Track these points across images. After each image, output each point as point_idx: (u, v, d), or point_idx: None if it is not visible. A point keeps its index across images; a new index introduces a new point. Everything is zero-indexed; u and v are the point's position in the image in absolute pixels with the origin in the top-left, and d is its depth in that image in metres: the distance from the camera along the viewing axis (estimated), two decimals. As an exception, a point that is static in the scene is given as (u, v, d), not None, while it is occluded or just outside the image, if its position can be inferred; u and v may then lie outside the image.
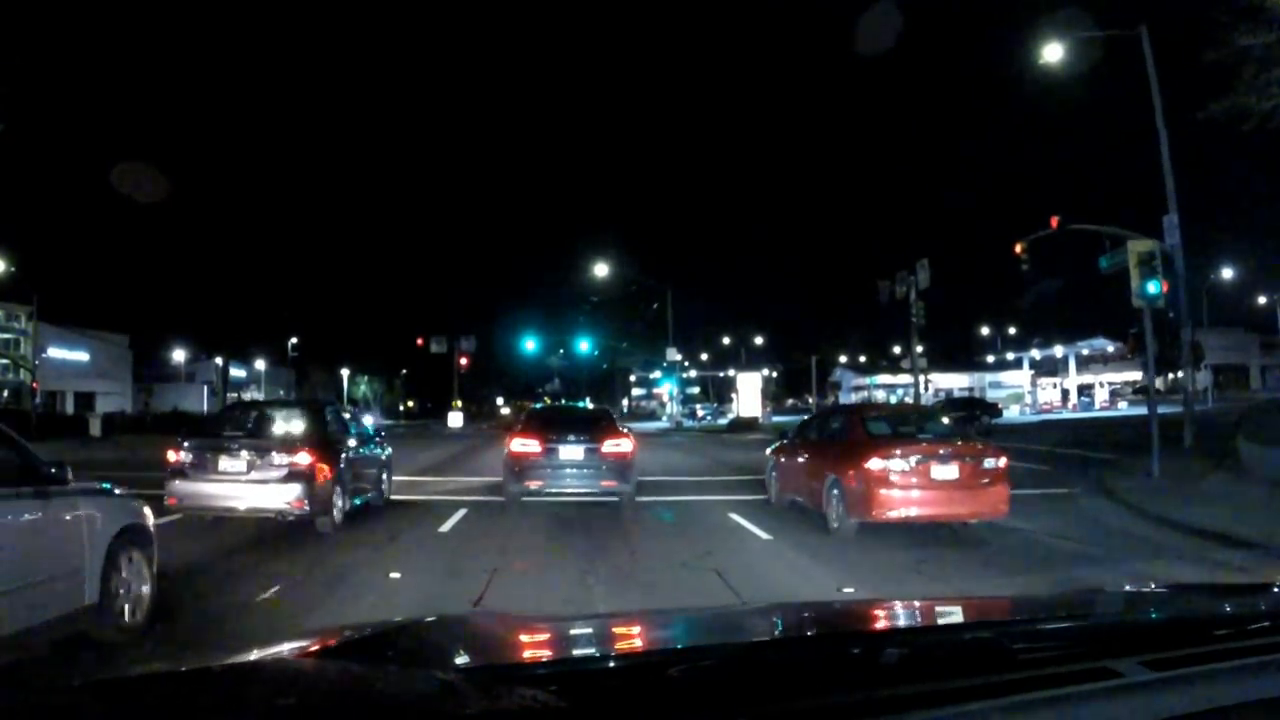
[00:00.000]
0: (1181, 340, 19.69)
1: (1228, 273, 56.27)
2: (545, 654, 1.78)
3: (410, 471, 16.77)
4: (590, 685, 1.31)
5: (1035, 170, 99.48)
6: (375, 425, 19.74)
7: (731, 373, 64.58)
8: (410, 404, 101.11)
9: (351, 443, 10.83)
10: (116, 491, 5.54)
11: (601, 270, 44.66)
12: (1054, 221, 23.41)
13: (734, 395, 56.37)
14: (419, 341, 57.54)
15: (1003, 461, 9.56)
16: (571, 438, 11.72)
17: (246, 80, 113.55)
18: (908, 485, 9.07)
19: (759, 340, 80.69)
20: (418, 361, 76.51)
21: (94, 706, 1.17)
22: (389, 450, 12.90)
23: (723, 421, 51.75)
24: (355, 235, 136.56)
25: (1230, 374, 66.60)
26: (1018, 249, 25.24)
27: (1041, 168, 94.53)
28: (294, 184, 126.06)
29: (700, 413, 60.21)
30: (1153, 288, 13.73)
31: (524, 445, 11.65)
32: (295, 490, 9.06)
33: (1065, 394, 68.02)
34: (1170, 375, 79.33)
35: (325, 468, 9.46)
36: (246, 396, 71.82)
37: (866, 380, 68.00)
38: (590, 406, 19.72)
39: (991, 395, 56.87)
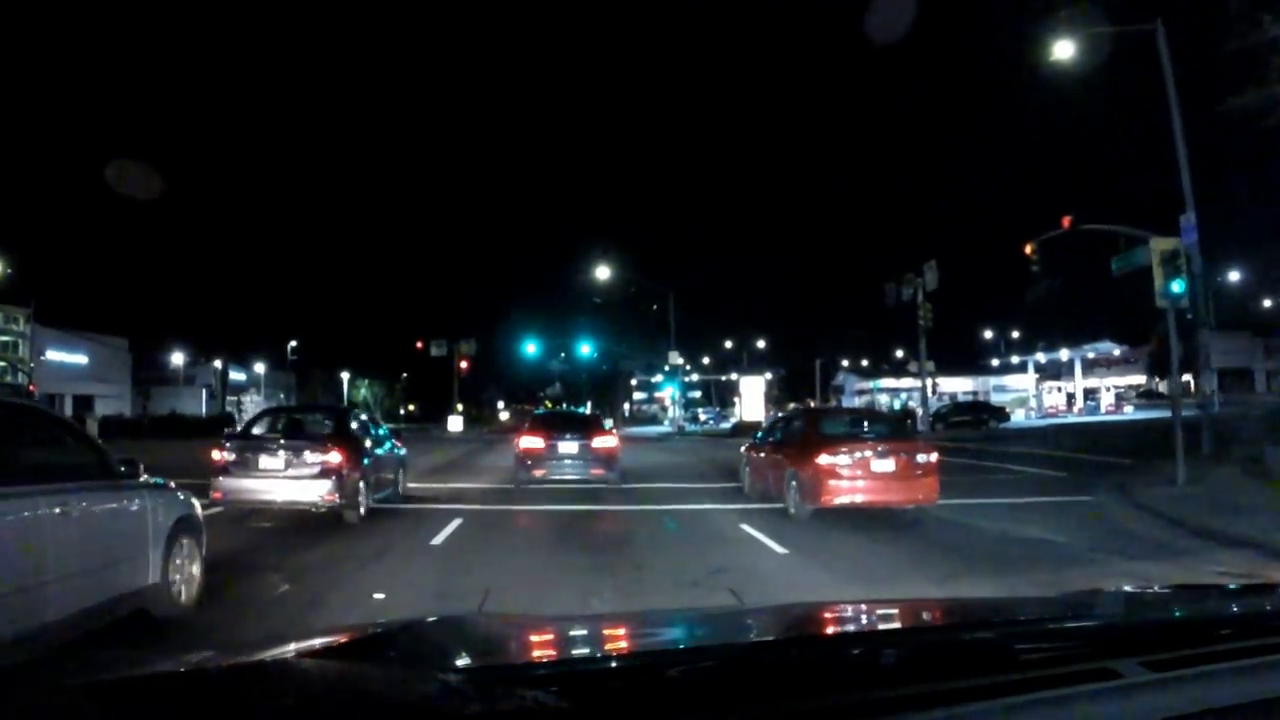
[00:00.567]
0: (1200, 342, 19.28)
1: (1233, 275, 55.77)
2: (545, 654, 1.76)
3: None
4: (590, 686, 1.30)
5: (1037, 173, 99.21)
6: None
7: (734, 376, 64.14)
8: (411, 408, 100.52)
9: (372, 444, 11.88)
10: (171, 486, 6.22)
11: (603, 273, 44.17)
12: (1066, 221, 22.96)
13: (736, 399, 55.94)
14: (418, 345, 57.19)
15: (934, 457, 11.19)
16: (568, 436, 14.59)
17: (247, 82, 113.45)
18: (851, 476, 10.65)
19: (760, 344, 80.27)
20: (418, 365, 76.15)
21: (94, 706, 1.17)
22: (404, 450, 14.26)
23: (725, 426, 51.33)
24: (356, 238, 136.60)
25: (1234, 378, 66.12)
26: (1028, 250, 24.81)
27: (1043, 170, 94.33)
28: (295, 186, 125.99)
29: (702, 417, 59.84)
30: (1177, 287, 13.30)
31: (530, 442, 14.53)
32: (327, 485, 10.15)
33: (1070, 398, 67.44)
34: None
35: (352, 466, 10.55)
36: (246, 400, 71.54)
37: (870, 384, 67.40)
38: (584, 411, 24.15)
39: (995, 399, 56.31)
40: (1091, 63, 20.99)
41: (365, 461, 11.05)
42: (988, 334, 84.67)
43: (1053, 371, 72.00)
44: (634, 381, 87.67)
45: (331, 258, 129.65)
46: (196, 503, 6.49)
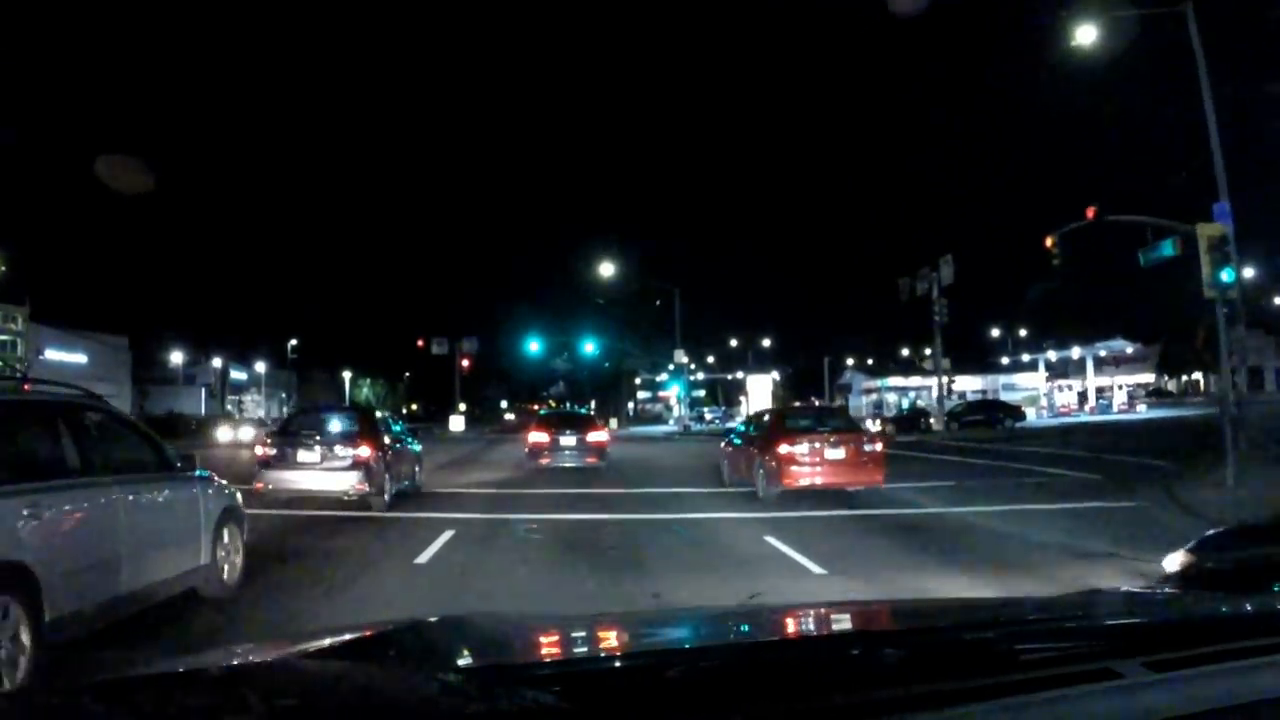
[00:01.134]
0: (1234, 337, 18.53)
1: (1246, 272, 54.93)
2: (546, 654, 1.75)
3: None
4: (591, 685, 1.30)
5: (1044, 170, 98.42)
6: None
7: (740, 375, 63.41)
8: (414, 407, 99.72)
9: (393, 440, 13.17)
10: (218, 479, 7.02)
11: (607, 270, 43.32)
12: (1090, 212, 22.12)
13: (743, 398, 55.17)
14: (419, 343, 56.46)
15: (879, 446, 13.39)
16: (568, 432, 18.96)
17: (248, 81, 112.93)
18: (808, 463, 12.56)
19: (766, 343, 79.40)
20: (421, 364, 75.47)
21: (94, 706, 1.18)
22: (420, 447, 15.80)
23: (732, 425, 50.52)
24: (357, 236, 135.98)
25: (1246, 376, 65.31)
26: (1048, 243, 24.01)
27: (1050, 167, 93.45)
28: (296, 184, 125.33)
29: (708, 416, 59.07)
30: (1226, 275, 12.51)
31: (538, 437, 18.80)
32: (358, 476, 11.41)
33: (1082, 397, 66.40)
34: (1184, 377, 78.21)
35: (378, 459, 11.80)
36: (246, 399, 70.98)
37: (878, 382, 66.50)
38: (581, 411, 30.32)
39: (1004, 398, 55.46)
40: (1110, 50, 20.30)
41: (389, 456, 12.31)
42: (994, 332, 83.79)
43: (1060, 370, 71.07)
44: (638, 380, 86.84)
45: (332, 256, 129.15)
46: (239, 495, 7.32)
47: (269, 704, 1.14)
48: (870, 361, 79.45)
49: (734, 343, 78.91)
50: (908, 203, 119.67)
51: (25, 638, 4.26)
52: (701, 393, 72.60)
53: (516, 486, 15.83)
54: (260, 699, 1.16)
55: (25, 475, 4.63)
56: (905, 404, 59.21)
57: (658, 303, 49.77)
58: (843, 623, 2.21)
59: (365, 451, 11.57)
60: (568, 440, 18.49)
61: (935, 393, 40.42)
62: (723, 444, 16.83)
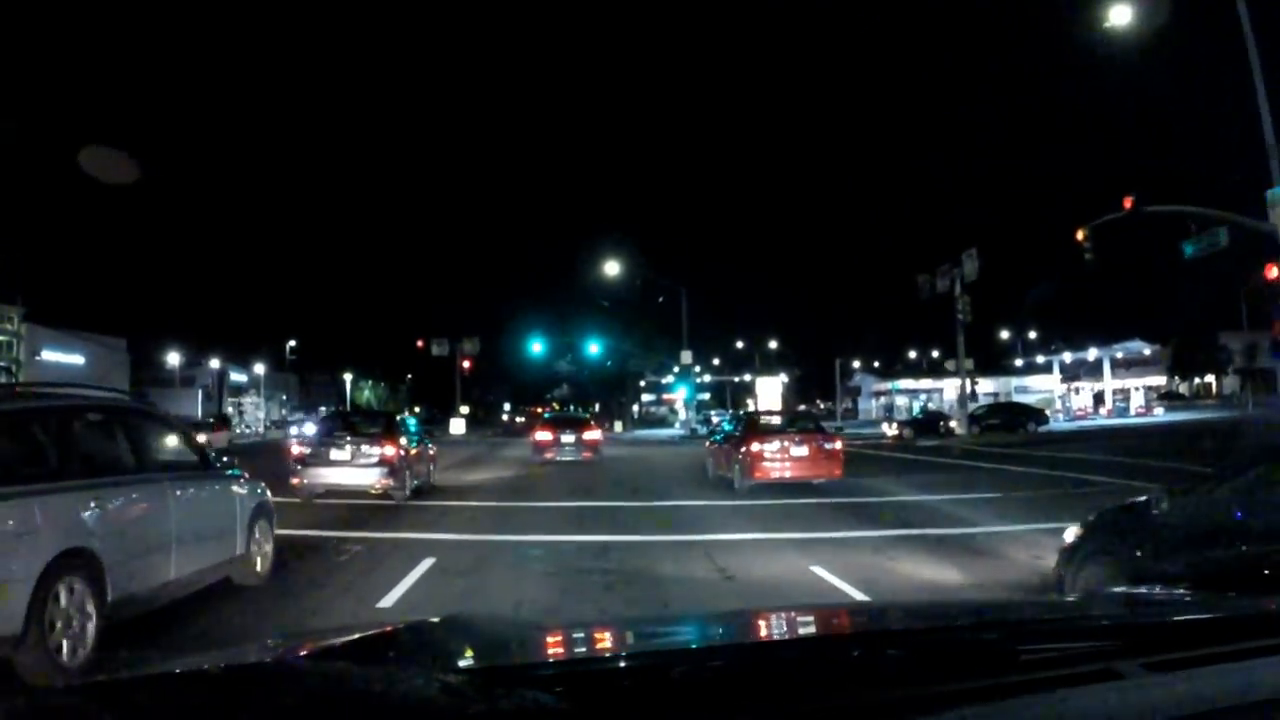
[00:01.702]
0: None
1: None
2: (547, 656, 1.72)
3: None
4: (592, 687, 1.30)
5: (1052, 169, 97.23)
6: None
7: (747, 377, 62.26)
8: (416, 409, 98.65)
9: (410, 441, 14.54)
10: (251, 478, 7.49)
11: (612, 270, 42.17)
12: (1128, 202, 21.03)
13: (750, 400, 53.96)
14: (419, 344, 55.41)
15: (838, 444, 15.31)
16: (568, 431, 22.69)
17: (249, 82, 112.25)
18: (776, 459, 14.52)
19: (773, 345, 78.20)
20: (422, 366, 74.43)
21: (93, 707, 1.18)
22: (434, 447, 17.39)
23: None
24: (358, 237, 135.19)
25: (1256, 378, 64.30)
26: (1079, 235, 22.94)
27: (1057, 166, 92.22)
28: (296, 185, 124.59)
29: (715, 419, 57.79)
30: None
31: (542, 436, 22.54)
32: (382, 472, 13.03)
33: (1099, 399, 65.07)
34: (1196, 380, 76.80)
35: (400, 458, 13.39)
36: (246, 401, 69.94)
37: (888, 385, 65.34)
38: (580, 414, 34.82)
39: (1017, 400, 54.18)
40: (1124, 42, 19.36)
41: (408, 455, 13.89)
42: (1004, 334, 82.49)
43: (1073, 372, 69.80)
44: (643, 382, 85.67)
45: (332, 256, 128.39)
46: (269, 493, 7.82)
47: (269, 704, 1.14)
48: (876, 364, 78.39)
49: (741, 345, 77.85)
50: (915, 203, 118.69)
51: (92, 614, 4.76)
52: (708, 395, 71.42)
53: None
54: (260, 699, 1.16)
55: (91, 472, 5.17)
56: (916, 407, 57.92)
57: (660, 300, 48.58)
58: (844, 624, 2.24)
59: (390, 450, 13.18)
60: (568, 439, 22.14)
61: (955, 395, 38.92)
62: (707, 443, 19.01)
